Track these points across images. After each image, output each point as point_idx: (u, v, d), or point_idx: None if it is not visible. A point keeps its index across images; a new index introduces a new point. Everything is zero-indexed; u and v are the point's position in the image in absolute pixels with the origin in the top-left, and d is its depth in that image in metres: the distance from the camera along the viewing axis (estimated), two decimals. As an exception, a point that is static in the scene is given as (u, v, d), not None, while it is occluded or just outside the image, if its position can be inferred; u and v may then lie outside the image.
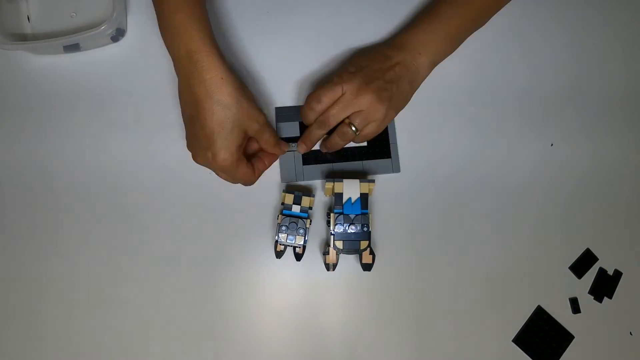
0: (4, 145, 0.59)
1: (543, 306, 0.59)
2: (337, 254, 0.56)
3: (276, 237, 0.55)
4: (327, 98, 0.52)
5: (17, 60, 0.61)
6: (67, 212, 0.58)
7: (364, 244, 0.54)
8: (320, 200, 0.59)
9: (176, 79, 0.52)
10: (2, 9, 0.59)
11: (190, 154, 0.52)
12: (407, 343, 0.58)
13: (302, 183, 0.59)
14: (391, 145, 0.60)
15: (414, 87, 0.57)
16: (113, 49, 0.61)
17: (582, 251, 0.60)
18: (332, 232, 0.55)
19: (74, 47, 0.59)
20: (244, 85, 0.52)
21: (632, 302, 0.60)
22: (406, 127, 0.61)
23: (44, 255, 0.57)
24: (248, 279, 0.58)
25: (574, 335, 0.58)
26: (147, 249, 0.58)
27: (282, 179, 0.59)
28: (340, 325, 0.58)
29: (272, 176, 0.59)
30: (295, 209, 0.56)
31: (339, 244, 0.54)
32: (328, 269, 0.56)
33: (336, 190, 0.55)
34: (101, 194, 0.58)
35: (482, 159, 0.61)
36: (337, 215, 0.55)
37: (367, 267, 0.56)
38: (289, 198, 0.56)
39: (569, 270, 0.60)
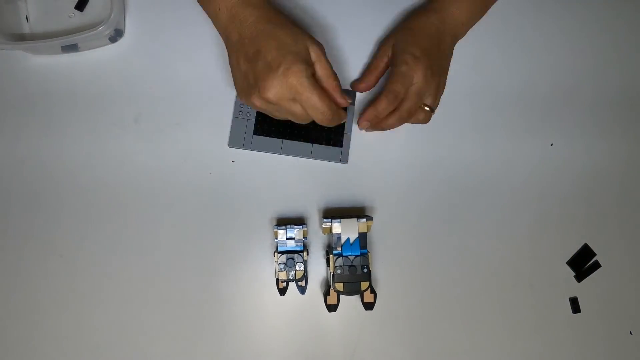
0: (2, 145, 0.59)
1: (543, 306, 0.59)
2: (338, 296, 0.56)
3: (276, 275, 0.55)
4: (402, 90, 0.53)
5: (16, 60, 0.61)
6: (65, 212, 0.58)
7: (364, 284, 0.54)
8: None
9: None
10: (1, 9, 0.58)
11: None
12: (407, 343, 0.58)
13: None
14: (345, 135, 0.59)
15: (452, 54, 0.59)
16: (111, 49, 0.61)
17: (580, 246, 0.60)
18: (332, 274, 0.54)
19: (72, 48, 0.59)
20: None
21: (632, 302, 0.60)
22: (404, 127, 0.61)
23: (42, 254, 0.57)
24: (248, 279, 0.58)
25: (574, 335, 0.58)
26: (146, 249, 0.58)
27: (230, 143, 0.59)
28: (340, 325, 0.58)
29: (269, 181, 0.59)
30: (290, 243, 0.55)
31: (339, 287, 0.53)
32: (330, 310, 0.56)
33: (334, 231, 0.54)
34: (100, 194, 0.58)
35: (482, 159, 0.61)
36: (336, 257, 0.54)
37: (369, 306, 0.55)
38: (282, 234, 0.55)
39: (566, 266, 0.60)
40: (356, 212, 0.59)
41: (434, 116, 0.61)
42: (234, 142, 0.59)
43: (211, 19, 0.54)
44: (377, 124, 0.55)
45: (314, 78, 0.48)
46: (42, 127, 0.59)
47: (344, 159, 0.59)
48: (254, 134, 0.59)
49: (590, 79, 0.63)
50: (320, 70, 0.50)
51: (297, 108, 0.49)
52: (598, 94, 0.63)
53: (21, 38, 0.60)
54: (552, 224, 0.60)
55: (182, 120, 0.60)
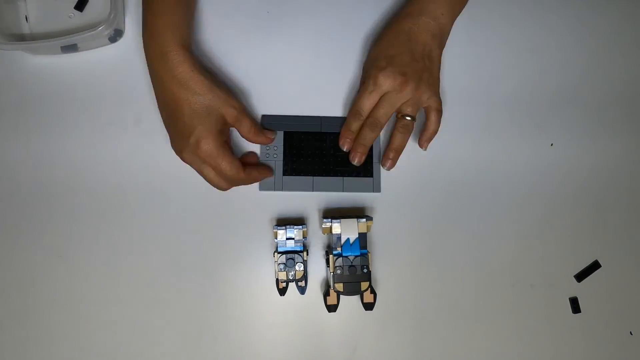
0: (1, 145, 0.59)
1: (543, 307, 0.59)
2: (338, 296, 0.56)
3: (276, 276, 0.55)
4: (368, 105, 0.54)
5: (15, 60, 0.60)
6: (64, 213, 0.58)
7: (364, 285, 0.54)
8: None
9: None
10: (1, 9, 0.58)
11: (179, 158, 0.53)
12: (407, 343, 0.58)
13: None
14: (374, 165, 0.59)
15: (442, 47, 0.57)
16: (111, 49, 0.61)
17: (580, 246, 0.60)
18: (332, 274, 0.54)
19: (71, 48, 0.59)
20: (215, 77, 0.54)
21: (632, 302, 0.60)
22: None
23: (42, 255, 0.57)
24: (248, 279, 0.58)
25: (574, 335, 0.58)
26: (145, 250, 0.58)
27: (261, 187, 0.58)
28: (340, 325, 0.58)
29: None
30: (290, 243, 0.55)
31: (339, 287, 0.53)
32: (330, 311, 0.56)
33: (334, 231, 0.54)
34: (99, 195, 0.58)
35: (482, 159, 0.61)
36: (336, 257, 0.54)
37: (368, 306, 0.55)
38: (282, 234, 0.55)
39: (566, 266, 0.60)
40: (356, 212, 0.59)
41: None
42: (264, 185, 0.58)
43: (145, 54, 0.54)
44: (357, 147, 0.56)
45: (224, 145, 0.52)
46: (41, 127, 0.59)
47: (376, 188, 0.59)
48: (284, 174, 0.58)
49: (591, 78, 0.63)
50: (242, 129, 0.54)
51: (208, 171, 0.52)
52: (599, 93, 0.63)
53: (21, 38, 0.60)
54: (552, 224, 0.60)
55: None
